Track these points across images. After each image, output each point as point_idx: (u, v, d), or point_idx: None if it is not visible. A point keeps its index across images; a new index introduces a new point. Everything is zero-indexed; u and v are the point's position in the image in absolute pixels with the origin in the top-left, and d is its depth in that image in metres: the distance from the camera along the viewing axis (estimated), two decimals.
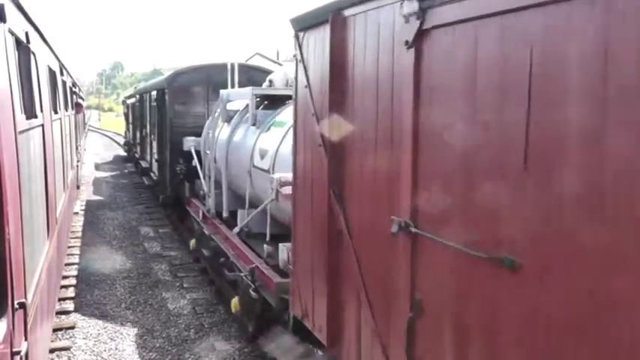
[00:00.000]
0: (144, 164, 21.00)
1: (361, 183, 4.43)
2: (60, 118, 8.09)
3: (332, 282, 4.87)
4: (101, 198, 20.33)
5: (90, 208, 18.23)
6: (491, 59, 2.95)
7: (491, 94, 2.94)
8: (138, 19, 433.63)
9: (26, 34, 4.38)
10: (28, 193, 4.20)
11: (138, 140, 24.62)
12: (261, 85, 10.14)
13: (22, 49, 4.28)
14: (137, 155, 25.03)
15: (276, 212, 7.72)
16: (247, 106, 9.70)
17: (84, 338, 8.40)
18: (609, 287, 2.32)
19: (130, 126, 30.75)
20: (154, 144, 17.29)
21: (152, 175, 18.31)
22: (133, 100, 28.49)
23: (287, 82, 9.44)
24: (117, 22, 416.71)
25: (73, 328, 8.70)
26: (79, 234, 14.53)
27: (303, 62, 5.35)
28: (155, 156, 17.05)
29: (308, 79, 5.25)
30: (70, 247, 12.24)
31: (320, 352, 5.61)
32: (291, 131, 6.28)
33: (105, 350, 8.05)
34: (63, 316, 9.07)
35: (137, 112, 24.74)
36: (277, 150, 7.76)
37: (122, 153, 35.90)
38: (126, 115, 36.94)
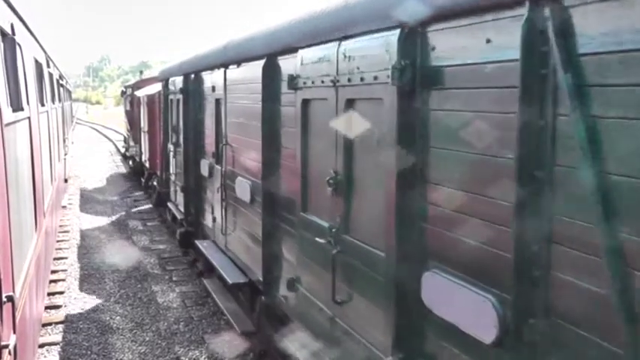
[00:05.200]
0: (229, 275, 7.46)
1: None
2: (47, 111, 8.02)
3: None
4: None
5: None
6: None
7: None
8: (125, 12, 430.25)
9: (11, 25, 4.34)
10: (15, 187, 4.17)
11: (179, 183, 11.15)
12: None
13: (8, 40, 4.24)
14: (181, 223, 11.17)
15: None
16: None
17: (74, 333, 8.37)
18: None
19: (144, 137, 16.94)
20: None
21: None
22: (151, 90, 15.62)
23: None
24: (104, 15, 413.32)
25: (62, 322, 8.67)
26: None
27: None
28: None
29: None
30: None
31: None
32: None
33: (94, 344, 8.03)
34: (52, 311, 9.03)
35: (174, 117, 11.45)
36: None
37: (118, 159, 27.90)
38: (129, 115, 23.17)
